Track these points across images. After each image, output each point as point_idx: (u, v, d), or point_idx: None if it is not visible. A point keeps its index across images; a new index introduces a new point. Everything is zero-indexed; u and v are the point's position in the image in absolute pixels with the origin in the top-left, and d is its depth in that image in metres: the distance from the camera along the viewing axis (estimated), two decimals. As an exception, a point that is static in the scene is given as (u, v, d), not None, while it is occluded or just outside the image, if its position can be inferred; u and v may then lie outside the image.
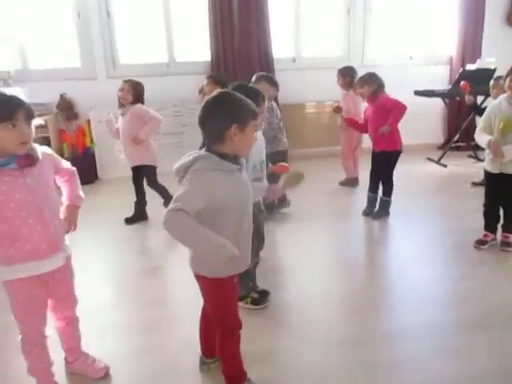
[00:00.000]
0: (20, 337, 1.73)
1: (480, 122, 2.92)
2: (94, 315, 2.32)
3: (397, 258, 3.06)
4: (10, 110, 1.48)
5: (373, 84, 3.43)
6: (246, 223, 1.61)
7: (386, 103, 3.40)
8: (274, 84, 3.38)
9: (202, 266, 1.59)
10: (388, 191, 3.60)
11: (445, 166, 5.10)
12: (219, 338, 1.68)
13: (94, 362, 1.98)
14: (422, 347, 2.03)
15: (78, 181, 1.87)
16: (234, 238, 1.46)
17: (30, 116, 1.54)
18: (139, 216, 3.67)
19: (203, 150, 1.54)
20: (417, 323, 2.22)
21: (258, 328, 2.21)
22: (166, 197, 3.50)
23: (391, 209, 3.65)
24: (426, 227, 3.44)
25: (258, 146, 2.20)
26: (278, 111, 3.59)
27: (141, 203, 3.67)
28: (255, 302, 2.38)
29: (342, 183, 4.47)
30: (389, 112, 3.38)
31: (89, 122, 4.83)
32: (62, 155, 4.71)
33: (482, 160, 3.13)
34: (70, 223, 1.77)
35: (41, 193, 1.60)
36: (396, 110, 3.38)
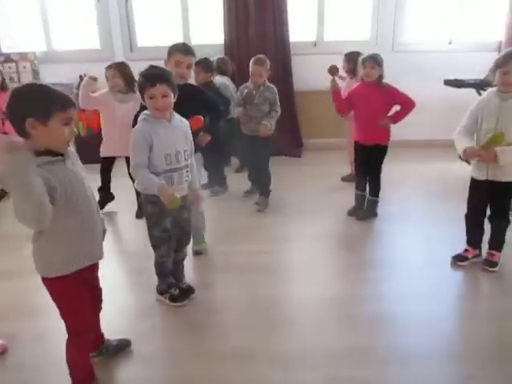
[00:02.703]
0: None
1: (463, 118, 2.52)
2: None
3: (362, 268, 2.78)
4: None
5: (382, 67, 3.08)
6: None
7: (395, 95, 3.10)
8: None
9: (49, 264, 1.53)
10: (375, 190, 3.30)
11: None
12: (67, 340, 1.64)
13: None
14: None
15: None
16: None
17: None
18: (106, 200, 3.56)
19: None
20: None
21: (170, 326, 2.16)
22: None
23: (382, 210, 3.35)
24: (413, 236, 3.10)
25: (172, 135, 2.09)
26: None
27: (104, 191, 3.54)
28: (173, 299, 2.31)
29: (345, 179, 4.15)
30: (392, 104, 3.14)
31: (106, 102, 4.96)
32: (78, 134, 4.92)
33: None
34: None
35: None
36: (407, 106, 3.13)
